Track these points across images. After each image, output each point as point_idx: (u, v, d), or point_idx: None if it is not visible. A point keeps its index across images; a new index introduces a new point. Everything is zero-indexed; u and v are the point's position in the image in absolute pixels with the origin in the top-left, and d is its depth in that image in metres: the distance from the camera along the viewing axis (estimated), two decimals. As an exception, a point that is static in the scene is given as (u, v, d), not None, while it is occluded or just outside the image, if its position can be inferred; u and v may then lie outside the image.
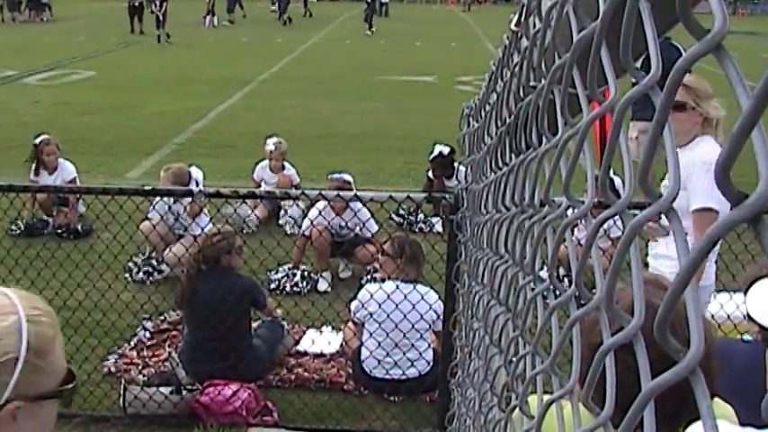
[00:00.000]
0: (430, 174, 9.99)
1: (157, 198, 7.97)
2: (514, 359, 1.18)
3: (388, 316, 5.90)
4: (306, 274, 8.16)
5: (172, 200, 8.12)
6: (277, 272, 8.10)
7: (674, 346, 0.52)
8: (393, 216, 9.60)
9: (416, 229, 9.57)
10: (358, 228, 8.17)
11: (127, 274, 8.08)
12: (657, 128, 0.55)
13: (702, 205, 4.66)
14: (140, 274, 8.14)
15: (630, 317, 0.61)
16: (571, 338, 0.79)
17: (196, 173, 8.73)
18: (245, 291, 6.26)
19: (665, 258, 4.96)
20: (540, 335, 0.96)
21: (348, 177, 8.49)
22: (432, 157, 9.77)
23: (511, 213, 1.37)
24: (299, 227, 8.71)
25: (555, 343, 0.82)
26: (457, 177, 8.93)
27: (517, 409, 1.14)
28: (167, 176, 8.24)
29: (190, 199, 7.89)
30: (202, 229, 7.68)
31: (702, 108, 4.89)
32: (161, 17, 32.19)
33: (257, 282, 6.66)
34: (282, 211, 9.76)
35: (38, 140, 9.49)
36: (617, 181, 6.28)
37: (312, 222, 8.02)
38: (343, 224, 7.86)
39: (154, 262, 8.27)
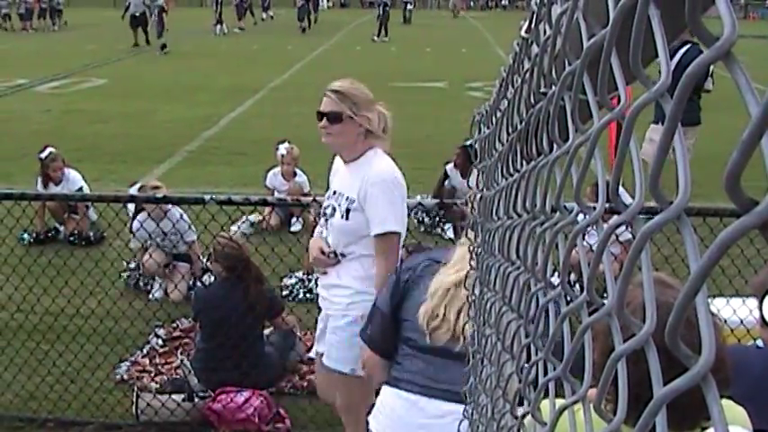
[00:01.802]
0: (448, 168, 9.95)
1: (144, 219, 7.91)
2: (527, 365, 1.18)
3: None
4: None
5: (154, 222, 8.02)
6: (290, 278, 8.12)
7: (686, 352, 0.52)
8: (414, 220, 9.61)
9: (434, 231, 9.58)
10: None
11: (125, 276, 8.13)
12: (668, 135, 0.55)
13: (385, 229, 4.29)
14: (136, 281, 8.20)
15: (642, 323, 0.61)
16: (583, 345, 0.79)
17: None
18: (259, 299, 6.29)
19: (339, 288, 4.49)
20: (551, 341, 0.96)
21: None
22: (465, 144, 9.52)
23: (522, 220, 1.37)
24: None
25: (567, 350, 0.82)
26: (468, 183, 8.90)
27: (529, 416, 1.14)
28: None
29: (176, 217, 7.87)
30: (186, 243, 7.69)
31: (362, 117, 4.44)
32: (159, 27, 31.75)
33: (274, 291, 6.65)
34: (294, 218, 9.78)
35: (43, 155, 9.55)
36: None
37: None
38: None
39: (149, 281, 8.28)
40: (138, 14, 33.56)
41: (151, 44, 33.10)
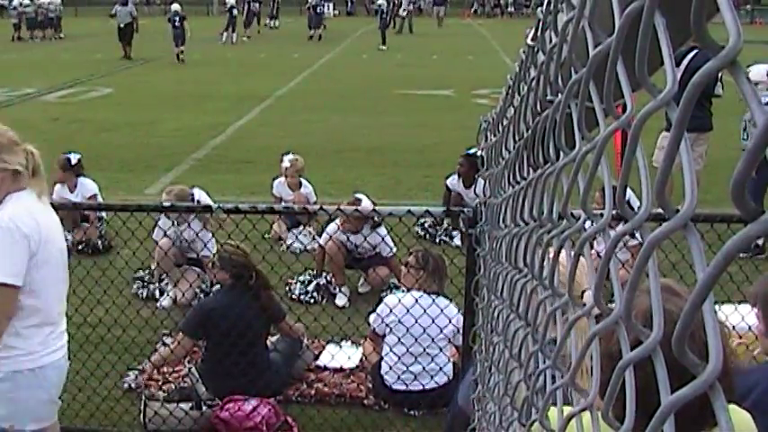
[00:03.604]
0: (448, 182, 9.93)
1: (165, 221, 7.97)
2: (534, 373, 1.18)
3: (407, 330, 5.90)
4: (323, 283, 8.19)
5: (177, 223, 8.11)
6: (296, 282, 8.15)
7: (693, 360, 0.52)
8: (417, 230, 9.61)
9: (438, 241, 9.59)
10: (377, 248, 8.12)
11: (135, 288, 8.13)
12: (674, 143, 0.55)
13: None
14: (146, 290, 8.21)
15: (649, 330, 0.61)
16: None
17: (199, 194, 8.72)
18: (269, 305, 6.30)
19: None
20: (559, 349, 0.96)
21: (365, 204, 8.12)
22: (469, 152, 9.32)
23: (529, 227, 1.37)
24: (307, 250, 8.83)
25: (574, 357, 0.82)
26: (475, 191, 8.89)
27: (537, 424, 1.14)
28: (169, 199, 8.20)
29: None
30: (205, 245, 7.70)
31: (5, 161, 4.00)
32: (180, 36, 31.88)
33: (276, 297, 6.64)
34: (301, 227, 9.74)
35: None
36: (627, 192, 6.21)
37: (331, 237, 8.03)
38: (361, 241, 7.81)
39: (163, 285, 8.28)
40: (123, 26, 32.73)
41: (133, 59, 32.22)
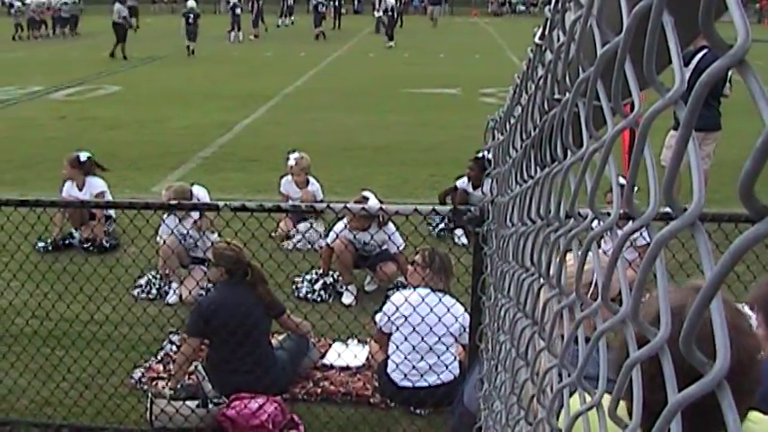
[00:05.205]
0: (458, 183, 9.96)
1: (171, 220, 8.02)
2: (541, 372, 1.18)
3: (414, 328, 5.90)
4: (330, 282, 8.18)
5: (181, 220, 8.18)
6: (303, 280, 8.14)
7: (700, 359, 0.52)
8: (430, 228, 9.62)
9: (443, 236, 9.59)
10: (384, 244, 8.11)
11: (136, 291, 8.11)
12: (682, 142, 0.55)
13: None
14: (151, 292, 8.18)
15: (656, 329, 0.61)
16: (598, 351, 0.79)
17: (198, 190, 8.73)
18: (267, 297, 6.31)
19: None
20: (566, 348, 0.96)
21: (372, 202, 7.99)
22: (478, 156, 9.37)
23: (536, 226, 1.37)
24: (310, 243, 8.84)
25: (581, 356, 0.82)
26: (482, 190, 8.87)
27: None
28: (168, 195, 8.18)
29: (197, 215, 8.00)
30: (212, 243, 7.72)
31: None
32: (192, 32, 32.40)
33: (273, 292, 6.62)
34: (295, 230, 9.69)
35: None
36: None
37: (338, 235, 8.03)
38: (368, 239, 7.82)
39: (166, 285, 8.27)
40: (119, 21, 32.24)
41: (116, 57, 31.87)
